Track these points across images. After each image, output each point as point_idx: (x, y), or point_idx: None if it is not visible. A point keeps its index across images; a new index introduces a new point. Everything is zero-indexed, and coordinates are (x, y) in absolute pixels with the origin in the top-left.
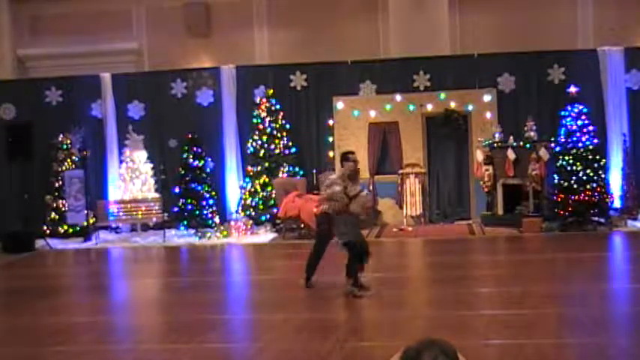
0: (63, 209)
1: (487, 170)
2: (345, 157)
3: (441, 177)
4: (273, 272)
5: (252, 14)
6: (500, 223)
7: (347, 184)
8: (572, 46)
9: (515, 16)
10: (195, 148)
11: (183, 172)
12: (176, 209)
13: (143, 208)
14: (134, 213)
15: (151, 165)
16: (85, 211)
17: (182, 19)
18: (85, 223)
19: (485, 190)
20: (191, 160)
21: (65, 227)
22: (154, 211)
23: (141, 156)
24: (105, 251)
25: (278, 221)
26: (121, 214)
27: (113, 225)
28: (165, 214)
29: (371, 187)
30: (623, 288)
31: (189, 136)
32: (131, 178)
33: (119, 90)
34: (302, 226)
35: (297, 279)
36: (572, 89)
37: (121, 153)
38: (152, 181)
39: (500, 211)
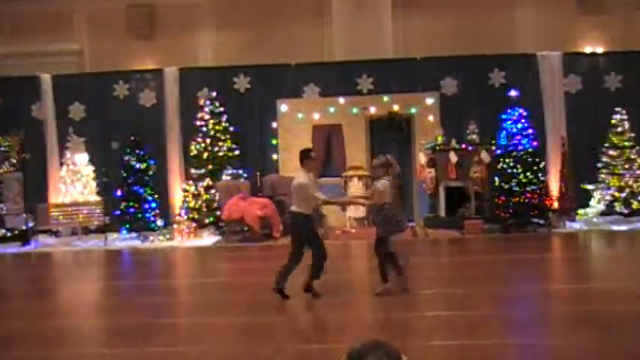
0: (1, 213)
1: (430, 173)
2: (308, 155)
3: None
4: (216, 275)
5: (195, 16)
6: (443, 225)
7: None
8: (512, 50)
9: (457, 21)
10: (137, 151)
11: (125, 174)
12: (118, 212)
13: (84, 212)
14: (75, 216)
15: (93, 168)
16: (24, 215)
17: (125, 20)
18: (24, 227)
19: (428, 192)
20: (133, 163)
21: (3, 231)
22: (95, 215)
23: (82, 158)
24: (45, 255)
25: (222, 224)
26: (61, 217)
27: (53, 229)
28: (107, 218)
29: None
30: (562, 288)
31: (132, 138)
32: (72, 181)
33: (60, 91)
34: (245, 228)
35: (239, 281)
36: (513, 93)
37: (61, 155)
38: (93, 183)
39: (442, 214)
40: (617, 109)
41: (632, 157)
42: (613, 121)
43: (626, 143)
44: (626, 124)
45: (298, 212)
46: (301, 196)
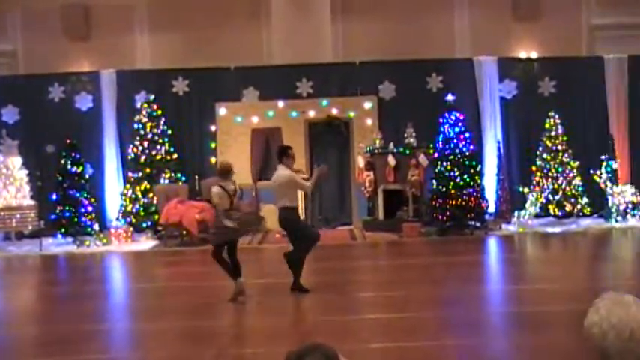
0: None
1: (368, 176)
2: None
3: (323, 183)
4: (154, 280)
5: (132, 17)
6: (381, 228)
7: None
8: (449, 55)
9: (396, 25)
10: (73, 154)
11: (61, 178)
12: (53, 217)
13: (18, 216)
14: (8, 221)
15: (27, 171)
16: None
17: (59, 21)
18: None
19: (367, 195)
20: (69, 166)
21: None
22: (29, 219)
23: (16, 162)
24: None
25: (159, 228)
26: None
27: None
28: (42, 222)
29: (254, 194)
30: (497, 290)
31: (68, 141)
32: (5, 184)
33: None
34: (184, 232)
35: (178, 286)
36: (450, 97)
37: None
38: (27, 188)
39: (381, 217)
40: (551, 113)
41: (565, 160)
42: (547, 125)
43: (560, 147)
44: (560, 129)
45: (286, 206)
46: (286, 190)
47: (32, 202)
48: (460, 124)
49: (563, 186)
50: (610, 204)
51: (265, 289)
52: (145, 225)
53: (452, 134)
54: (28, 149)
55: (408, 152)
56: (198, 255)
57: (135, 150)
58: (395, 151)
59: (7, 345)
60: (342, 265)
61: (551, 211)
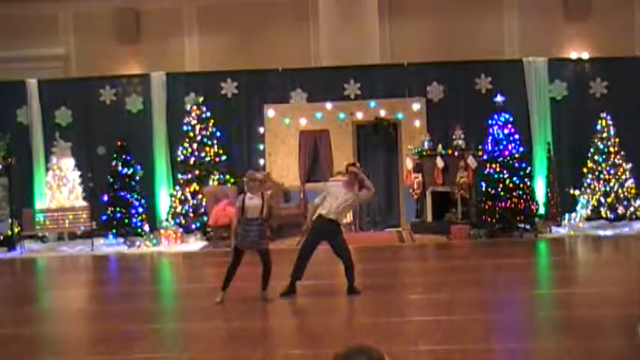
0: None
1: (416, 178)
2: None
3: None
4: (203, 281)
5: (182, 21)
6: (429, 230)
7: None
8: (498, 56)
9: (444, 27)
10: (124, 156)
11: (112, 179)
12: (105, 217)
13: (71, 217)
14: (61, 222)
15: (79, 173)
16: (10, 220)
17: (111, 24)
18: (10, 233)
19: (415, 197)
20: (120, 168)
21: None
22: (81, 220)
23: (68, 163)
24: (31, 261)
25: (208, 229)
26: (47, 222)
27: (39, 234)
28: (94, 223)
29: (302, 195)
30: (548, 293)
31: (119, 143)
32: (58, 186)
33: (46, 96)
34: None
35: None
36: (499, 98)
37: (47, 160)
38: (80, 189)
39: (429, 219)
40: (603, 114)
41: (618, 162)
42: (598, 127)
43: (612, 149)
44: (612, 130)
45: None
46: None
47: (84, 203)
48: (509, 126)
49: (616, 188)
50: None
51: (312, 291)
52: (194, 226)
53: (501, 136)
54: (80, 151)
55: (456, 154)
56: (247, 256)
57: (184, 152)
58: (443, 152)
59: (59, 342)
60: (389, 267)
61: (603, 214)
